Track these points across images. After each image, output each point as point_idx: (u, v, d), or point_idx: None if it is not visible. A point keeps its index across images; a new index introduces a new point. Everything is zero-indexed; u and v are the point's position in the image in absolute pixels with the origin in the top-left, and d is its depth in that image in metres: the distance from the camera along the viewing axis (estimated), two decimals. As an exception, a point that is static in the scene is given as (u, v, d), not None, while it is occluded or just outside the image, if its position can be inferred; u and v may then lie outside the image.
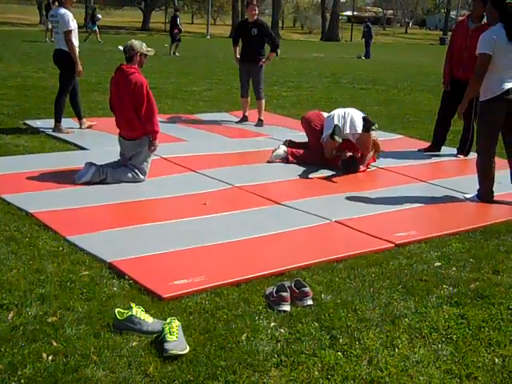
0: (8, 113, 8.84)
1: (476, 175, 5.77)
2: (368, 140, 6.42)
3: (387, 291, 3.74)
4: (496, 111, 5.52)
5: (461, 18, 7.85)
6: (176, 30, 23.05)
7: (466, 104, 5.74)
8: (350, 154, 6.61)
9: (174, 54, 22.90)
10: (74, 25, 7.56)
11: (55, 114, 7.75)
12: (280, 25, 55.02)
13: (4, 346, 2.90)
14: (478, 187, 5.76)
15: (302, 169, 6.54)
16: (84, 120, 8.04)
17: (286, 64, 20.70)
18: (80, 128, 7.95)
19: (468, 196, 5.83)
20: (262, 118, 8.97)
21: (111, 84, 5.88)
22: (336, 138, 6.30)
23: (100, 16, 29.31)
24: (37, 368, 2.73)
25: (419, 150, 7.66)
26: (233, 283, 3.69)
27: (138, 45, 5.81)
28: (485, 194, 5.74)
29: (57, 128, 7.70)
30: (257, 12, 8.79)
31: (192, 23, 63.45)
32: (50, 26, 26.05)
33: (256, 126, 8.87)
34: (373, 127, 6.36)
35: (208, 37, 42.75)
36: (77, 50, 7.60)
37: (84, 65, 8.03)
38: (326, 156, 6.51)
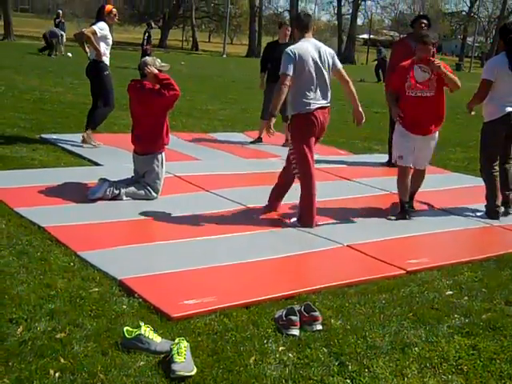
0: (25, 126, 8.91)
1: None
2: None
3: (398, 319, 3.70)
4: (497, 132, 5.95)
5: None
6: (147, 46, 22.57)
7: (472, 104, 6.07)
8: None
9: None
10: (102, 32, 7.66)
11: (92, 119, 7.86)
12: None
13: (12, 360, 2.90)
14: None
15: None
16: (89, 132, 7.92)
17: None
18: (83, 139, 7.86)
19: (478, 214, 6.10)
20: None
21: (131, 98, 5.93)
22: None
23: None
24: (44, 384, 2.73)
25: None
26: (242, 305, 3.68)
27: (152, 61, 5.86)
28: (490, 210, 6.03)
29: (85, 138, 7.77)
30: (290, 32, 8.53)
31: (209, 41, 64.01)
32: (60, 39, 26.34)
33: (284, 146, 8.51)
34: None
35: (224, 56, 43.04)
36: (104, 58, 7.76)
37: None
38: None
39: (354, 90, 5.72)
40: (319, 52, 5.41)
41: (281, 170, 5.82)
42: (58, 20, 27.05)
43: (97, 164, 7.08)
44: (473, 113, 6.05)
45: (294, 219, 5.47)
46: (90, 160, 7.20)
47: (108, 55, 7.89)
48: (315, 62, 5.36)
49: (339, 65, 5.59)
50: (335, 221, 5.61)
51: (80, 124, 8.85)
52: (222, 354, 3.10)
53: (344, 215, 5.82)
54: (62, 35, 25.33)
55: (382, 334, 3.49)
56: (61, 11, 28.87)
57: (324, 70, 5.42)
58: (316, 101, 5.40)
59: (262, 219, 5.51)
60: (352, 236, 5.18)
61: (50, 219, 4.91)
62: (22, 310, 3.39)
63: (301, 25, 5.52)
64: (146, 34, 22.63)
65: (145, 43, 22.12)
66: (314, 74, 5.36)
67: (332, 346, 3.29)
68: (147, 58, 6.05)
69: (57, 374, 2.81)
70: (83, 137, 7.78)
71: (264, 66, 9.05)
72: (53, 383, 2.74)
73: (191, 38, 53.64)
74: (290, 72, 5.24)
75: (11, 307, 3.41)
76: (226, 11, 47.13)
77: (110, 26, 7.95)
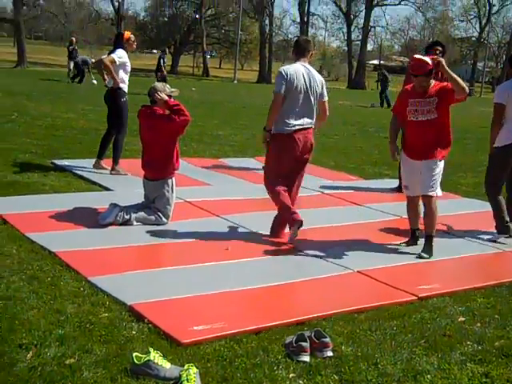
0: (36, 152, 8.99)
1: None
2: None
3: (409, 345, 3.67)
4: (507, 158, 6.02)
5: None
6: (159, 73, 22.95)
7: (494, 134, 6.09)
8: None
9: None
10: (120, 60, 7.71)
11: (113, 154, 7.90)
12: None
13: (21, 386, 2.89)
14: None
15: (324, 217, 6.53)
16: (103, 162, 8.07)
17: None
18: (95, 167, 7.99)
19: (487, 237, 6.14)
20: None
21: (141, 124, 5.98)
22: None
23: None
24: (52, 411, 2.72)
25: None
26: (252, 331, 3.66)
27: (162, 87, 5.91)
28: (500, 227, 6.13)
29: (114, 169, 7.85)
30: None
31: (220, 68, 64.59)
32: (71, 66, 26.74)
33: None
34: None
35: (235, 82, 43.37)
36: (123, 85, 7.81)
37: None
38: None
39: (322, 123, 5.97)
40: (309, 77, 5.55)
41: None
42: (71, 47, 27.41)
43: (107, 189, 7.11)
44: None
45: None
46: (100, 185, 7.24)
47: (127, 82, 7.93)
48: (303, 86, 5.50)
49: (325, 97, 5.76)
50: (345, 246, 5.58)
51: (91, 150, 8.93)
52: (231, 381, 3.08)
53: (354, 241, 5.79)
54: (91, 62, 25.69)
55: (393, 361, 3.46)
56: (74, 38, 29.25)
57: (311, 95, 5.56)
58: (297, 121, 5.52)
59: (272, 245, 5.49)
60: (362, 262, 5.15)
61: (60, 244, 4.93)
62: (31, 336, 3.38)
63: (297, 49, 5.71)
64: (161, 61, 22.99)
65: (163, 68, 22.57)
66: (301, 97, 5.51)
67: (343, 373, 3.26)
68: (157, 83, 6.09)
69: (66, 401, 2.80)
70: (112, 171, 7.86)
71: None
72: (62, 410, 2.73)
73: (202, 64, 54.18)
74: (282, 91, 5.42)
75: (21, 333, 3.41)
76: (236, 38, 47.60)
77: (128, 52, 8.00)
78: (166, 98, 5.83)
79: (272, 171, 5.67)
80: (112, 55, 7.70)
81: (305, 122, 5.56)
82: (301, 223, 5.42)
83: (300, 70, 5.53)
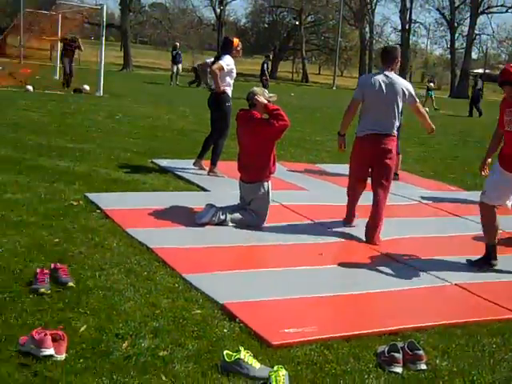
0: (138, 151, 9.30)
1: None
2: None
3: (509, 365, 3.49)
4: None
5: None
6: (264, 78, 23.18)
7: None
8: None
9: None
10: (228, 67, 7.81)
11: (212, 156, 8.04)
12: (408, 80, 54.67)
13: (117, 373, 2.98)
14: None
15: (421, 226, 6.36)
16: (202, 162, 8.22)
17: (411, 119, 20.39)
18: (195, 165, 8.18)
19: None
20: (398, 173, 8.73)
21: (239, 127, 6.04)
22: None
23: None
24: (146, 401, 2.78)
25: None
26: (343, 337, 3.60)
27: (261, 91, 5.96)
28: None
29: (211, 171, 7.99)
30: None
31: (319, 74, 64.51)
32: (175, 70, 27.58)
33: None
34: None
35: (334, 88, 43.19)
36: (228, 89, 7.92)
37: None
38: None
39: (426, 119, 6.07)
40: (386, 84, 5.71)
41: (389, 203, 5.75)
42: (175, 52, 28.24)
43: (204, 190, 7.24)
44: None
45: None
46: (198, 185, 7.39)
47: (231, 86, 8.02)
48: (377, 92, 5.69)
49: (414, 100, 5.89)
50: (443, 258, 5.40)
51: (189, 150, 9.16)
52: (321, 386, 3.05)
53: (452, 252, 5.59)
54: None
55: (491, 379, 3.30)
56: (178, 44, 30.14)
57: (383, 101, 5.71)
58: (367, 127, 5.78)
59: (367, 252, 5.40)
60: (461, 274, 4.96)
61: (158, 241, 5.06)
62: (128, 326, 3.49)
63: (383, 58, 5.95)
64: (265, 66, 23.43)
65: (267, 73, 23.05)
66: (373, 103, 5.74)
67: (436, 388, 3.15)
68: (255, 88, 6.14)
69: (158, 392, 2.86)
70: (209, 173, 7.99)
71: None
72: (154, 400, 2.79)
73: (301, 70, 54.33)
74: (357, 96, 5.88)
75: (118, 323, 3.53)
76: (336, 44, 47.41)
77: (234, 58, 8.06)
78: (266, 101, 5.87)
79: (350, 171, 6.25)
80: (221, 62, 7.75)
81: (375, 127, 5.76)
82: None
83: (378, 78, 5.75)
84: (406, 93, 5.78)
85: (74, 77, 19.70)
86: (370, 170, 5.92)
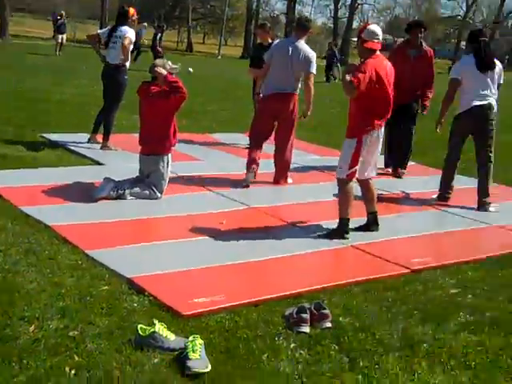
0: (24, 125, 8.88)
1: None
2: None
3: (404, 316, 3.75)
4: None
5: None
6: (157, 49, 22.99)
7: None
8: None
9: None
10: (132, 39, 7.69)
11: (104, 131, 7.82)
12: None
13: (26, 358, 2.91)
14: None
15: (317, 191, 6.58)
16: (97, 137, 8.03)
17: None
18: (89, 142, 7.98)
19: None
20: None
21: (140, 100, 5.97)
22: None
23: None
24: (60, 382, 2.75)
25: None
26: (251, 303, 3.71)
27: (162, 63, 5.89)
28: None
29: (105, 145, 7.78)
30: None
31: (203, 43, 63.99)
32: (59, 40, 26.25)
33: None
34: None
35: (219, 57, 43.04)
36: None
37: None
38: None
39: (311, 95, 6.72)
40: (291, 50, 6.48)
41: None
42: (60, 21, 26.80)
43: (99, 163, 7.09)
44: None
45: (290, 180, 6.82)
46: (92, 159, 7.21)
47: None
48: (284, 56, 6.50)
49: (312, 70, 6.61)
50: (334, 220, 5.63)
51: (80, 123, 8.88)
52: (234, 352, 3.13)
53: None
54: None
55: (390, 331, 3.53)
56: (64, 12, 28.55)
57: (289, 64, 6.48)
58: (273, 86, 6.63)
59: (269, 218, 5.54)
60: (356, 236, 5.19)
61: (56, 218, 4.92)
62: (33, 309, 3.40)
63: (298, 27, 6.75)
64: (158, 36, 23.01)
65: (157, 44, 22.62)
66: (277, 66, 6.56)
67: (342, 343, 3.33)
68: (157, 60, 6.08)
69: (72, 372, 2.83)
70: (103, 147, 7.78)
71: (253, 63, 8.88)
72: (69, 380, 2.76)
73: (186, 40, 53.66)
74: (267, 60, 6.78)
75: (22, 306, 3.42)
76: (223, 13, 47.14)
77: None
78: (165, 73, 5.80)
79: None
80: (128, 36, 7.57)
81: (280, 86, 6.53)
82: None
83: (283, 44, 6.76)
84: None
85: None
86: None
